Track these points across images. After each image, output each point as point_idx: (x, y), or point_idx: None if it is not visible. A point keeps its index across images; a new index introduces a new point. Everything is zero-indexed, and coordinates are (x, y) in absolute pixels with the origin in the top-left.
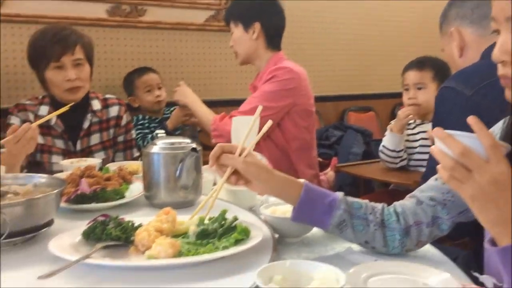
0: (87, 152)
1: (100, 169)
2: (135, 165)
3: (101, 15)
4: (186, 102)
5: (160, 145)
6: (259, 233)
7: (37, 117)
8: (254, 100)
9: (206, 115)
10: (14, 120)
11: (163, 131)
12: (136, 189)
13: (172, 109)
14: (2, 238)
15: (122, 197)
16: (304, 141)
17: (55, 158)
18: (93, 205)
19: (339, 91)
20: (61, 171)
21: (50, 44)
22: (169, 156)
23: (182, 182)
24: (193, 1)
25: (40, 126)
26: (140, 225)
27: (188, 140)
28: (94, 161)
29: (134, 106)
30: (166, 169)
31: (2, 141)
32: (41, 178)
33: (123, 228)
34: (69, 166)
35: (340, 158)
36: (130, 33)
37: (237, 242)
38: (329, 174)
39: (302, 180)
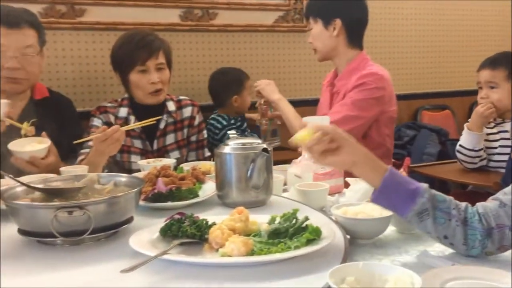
0: (163, 151)
1: (175, 168)
2: (208, 165)
3: (175, 20)
4: (274, 99)
5: (232, 145)
6: (331, 233)
7: (117, 118)
8: (343, 109)
9: (293, 116)
10: (97, 122)
11: (234, 132)
12: (209, 188)
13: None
14: (86, 233)
15: (196, 196)
16: (386, 148)
17: (134, 158)
18: (169, 204)
19: (412, 89)
20: (139, 170)
21: (136, 48)
22: (241, 157)
23: (253, 182)
24: (262, 3)
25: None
26: (213, 224)
27: (259, 141)
28: (169, 161)
29: (192, 102)
30: (237, 169)
31: (91, 136)
32: (121, 177)
33: (198, 226)
34: (146, 165)
35: (413, 158)
36: (202, 36)
37: (309, 242)
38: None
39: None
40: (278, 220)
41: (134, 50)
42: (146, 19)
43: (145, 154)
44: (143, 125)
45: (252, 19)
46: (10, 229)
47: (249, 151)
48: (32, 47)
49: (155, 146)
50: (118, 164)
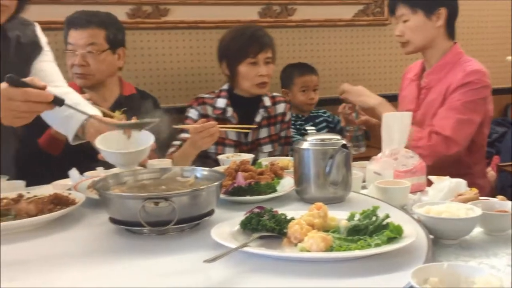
0: (256, 144)
1: (253, 163)
2: (286, 160)
3: (254, 17)
4: (374, 104)
5: (311, 141)
6: (413, 232)
7: (215, 109)
8: (453, 114)
9: None
10: (192, 114)
11: (313, 127)
12: (287, 183)
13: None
14: (171, 224)
15: (274, 191)
16: (484, 150)
17: (228, 150)
18: (248, 198)
19: (501, 84)
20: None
21: (249, 41)
22: (319, 152)
23: (332, 178)
24: None
25: (217, 119)
26: (292, 218)
27: (338, 137)
28: (248, 156)
29: (285, 99)
30: (316, 165)
31: (189, 126)
32: (203, 171)
33: (277, 220)
34: (226, 160)
35: (502, 156)
36: (280, 32)
37: (390, 240)
38: (490, 174)
39: None
40: (357, 217)
41: (247, 43)
42: (226, 17)
43: (239, 146)
44: (237, 130)
45: (330, 14)
46: (102, 217)
47: (328, 147)
48: (96, 45)
49: (249, 138)
50: (207, 157)
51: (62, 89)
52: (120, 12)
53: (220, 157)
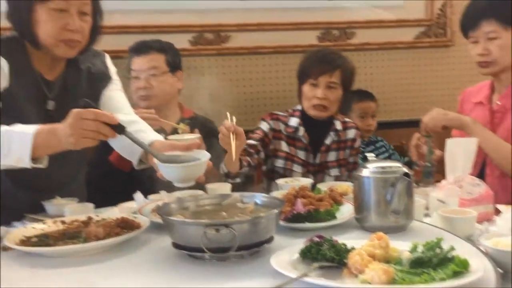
0: (324, 167)
1: (313, 188)
2: (345, 185)
3: (313, 41)
4: (467, 123)
5: (371, 168)
6: (480, 266)
7: (287, 127)
8: None
9: (498, 139)
10: (264, 126)
11: (373, 154)
12: (346, 210)
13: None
14: (232, 250)
15: (334, 218)
16: None
17: (296, 167)
18: (308, 225)
19: None
20: None
21: (314, 63)
22: (380, 180)
23: (393, 207)
24: (401, 19)
25: (288, 137)
26: (352, 248)
27: (399, 164)
28: (306, 181)
29: (356, 126)
30: (376, 193)
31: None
32: (262, 197)
33: (336, 250)
34: (284, 185)
35: None
36: None
37: (455, 274)
38: None
39: None
40: (420, 248)
41: (312, 64)
42: (285, 42)
43: (306, 166)
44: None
45: (390, 37)
46: (166, 241)
47: (388, 175)
48: (157, 68)
49: (317, 160)
50: (274, 172)
51: (130, 117)
52: (183, 40)
53: (278, 181)
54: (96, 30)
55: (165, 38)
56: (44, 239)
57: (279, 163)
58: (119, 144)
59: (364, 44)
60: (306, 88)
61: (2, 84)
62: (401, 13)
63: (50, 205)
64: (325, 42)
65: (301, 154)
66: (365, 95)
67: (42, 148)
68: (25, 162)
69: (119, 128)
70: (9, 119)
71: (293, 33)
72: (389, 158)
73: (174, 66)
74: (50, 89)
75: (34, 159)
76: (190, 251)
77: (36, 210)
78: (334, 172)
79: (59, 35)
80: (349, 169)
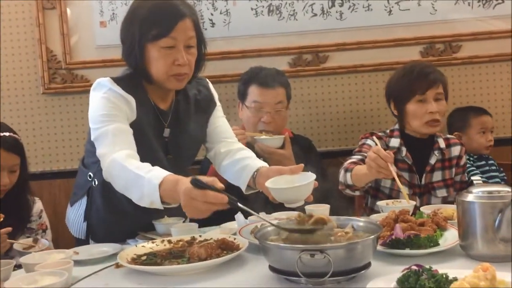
0: (430, 187)
1: (413, 213)
2: (450, 209)
3: (415, 57)
4: None
5: (477, 193)
6: None
7: (388, 148)
8: None
9: None
10: (370, 142)
11: (479, 178)
12: (450, 236)
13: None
14: (327, 276)
15: (436, 244)
16: None
17: (403, 189)
18: (407, 251)
19: None
20: None
21: (417, 79)
22: (487, 206)
23: (502, 234)
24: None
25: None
26: (454, 279)
27: (509, 189)
28: (407, 204)
29: (460, 142)
30: (483, 219)
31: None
32: (358, 221)
33: (437, 280)
34: (385, 207)
35: None
36: (445, 71)
37: None
38: None
39: None
40: None
41: (414, 80)
42: (385, 59)
43: (412, 187)
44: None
45: (502, 48)
46: (263, 264)
47: (496, 200)
48: (282, 103)
49: (422, 181)
50: (380, 192)
51: (237, 145)
52: (283, 62)
53: (379, 203)
54: (201, 60)
55: (265, 61)
56: (152, 258)
57: (386, 183)
58: (228, 172)
59: (472, 57)
60: (413, 106)
61: (131, 117)
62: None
63: (159, 224)
64: (429, 57)
65: (406, 176)
66: (481, 110)
67: (168, 198)
68: (158, 206)
69: (231, 203)
70: (139, 148)
71: (394, 50)
72: (500, 178)
73: (289, 98)
74: (165, 117)
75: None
76: (286, 275)
77: (148, 229)
78: (441, 193)
79: (169, 71)
80: (456, 189)
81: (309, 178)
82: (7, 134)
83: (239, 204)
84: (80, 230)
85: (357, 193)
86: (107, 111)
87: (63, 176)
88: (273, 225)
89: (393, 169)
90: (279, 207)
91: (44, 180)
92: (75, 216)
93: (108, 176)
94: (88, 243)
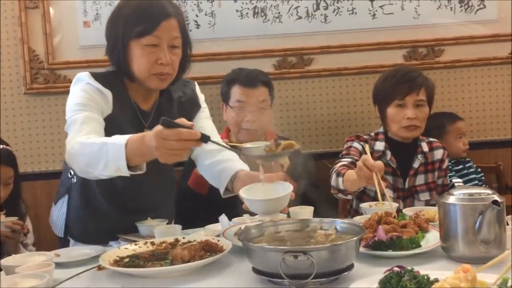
0: (413, 191)
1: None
2: (432, 211)
3: (398, 61)
4: None
5: (458, 195)
6: None
7: (373, 151)
8: None
9: None
10: (357, 145)
11: (460, 180)
12: (432, 238)
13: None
14: (310, 278)
15: (418, 246)
16: None
17: (386, 191)
18: (390, 253)
19: None
20: None
21: (398, 83)
22: (468, 208)
23: (482, 236)
24: (495, 34)
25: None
26: (435, 280)
27: (489, 191)
28: (392, 205)
29: (442, 145)
30: (464, 221)
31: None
32: (342, 223)
33: (418, 281)
34: (368, 209)
35: None
36: (427, 74)
37: None
38: None
39: None
40: (510, 283)
41: (395, 84)
42: (369, 62)
43: (396, 190)
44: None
45: (484, 52)
46: (247, 266)
47: (477, 202)
48: (265, 102)
49: (406, 185)
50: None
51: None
52: (268, 64)
53: (362, 205)
54: (185, 61)
55: (250, 63)
56: (135, 260)
57: (372, 186)
58: (208, 173)
59: (454, 62)
60: (392, 110)
61: (107, 111)
62: (495, 28)
63: (142, 226)
64: (412, 60)
65: (390, 179)
66: (455, 116)
67: (136, 157)
68: (124, 171)
69: (203, 139)
70: None
71: (377, 53)
72: (478, 179)
73: (273, 98)
74: (146, 118)
75: (131, 167)
76: (269, 277)
77: (130, 231)
78: (424, 196)
79: (151, 69)
80: (438, 192)
81: (286, 190)
82: (1, 146)
83: (212, 139)
84: (60, 229)
85: (349, 197)
86: (80, 101)
87: (45, 177)
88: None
89: (377, 179)
90: None
91: (26, 181)
92: (58, 214)
93: (69, 157)
94: (68, 243)
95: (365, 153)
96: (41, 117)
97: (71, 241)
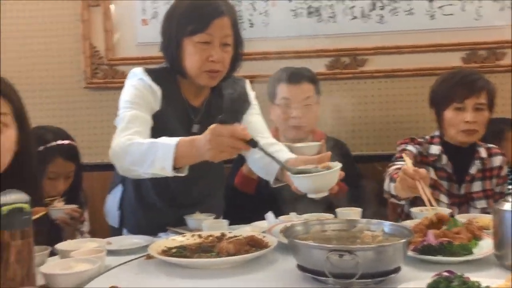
0: (469, 198)
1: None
2: (486, 219)
3: (456, 63)
4: None
5: None
6: None
7: (428, 155)
8: None
9: None
10: (411, 148)
11: None
12: (486, 246)
13: None
14: (355, 277)
15: (470, 253)
16: None
17: (442, 197)
18: (439, 258)
19: None
20: None
21: (457, 86)
22: None
23: None
24: None
25: (433, 166)
26: (487, 287)
27: None
28: (443, 210)
29: (502, 152)
30: None
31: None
32: (390, 225)
33: (468, 287)
34: (419, 214)
35: None
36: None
37: None
38: None
39: None
40: None
41: (454, 87)
42: (425, 64)
43: (451, 196)
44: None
45: None
46: (292, 263)
47: None
48: (310, 98)
49: (462, 191)
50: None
51: (268, 140)
52: (320, 64)
53: (413, 209)
54: (236, 59)
55: (302, 62)
56: (182, 251)
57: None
58: (257, 165)
59: None
60: (450, 113)
61: (155, 107)
62: None
63: (191, 220)
64: (471, 63)
65: (445, 184)
66: None
67: (183, 159)
68: (168, 171)
69: (252, 143)
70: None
71: (434, 55)
72: None
73: (319, 94)
74: (195, 114)
75: (176, 168)
76: (313, 274)
77: (179, 224)
78: (481, 204)
79: (203, 66)
80: (496, 200)
81: (335, 167)
82: (66, 142)
83: (260, 146)
84: (114, 218)
85: (402, 202)
86: (130, 98)
87: (101, 169)
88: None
89: (421, 186)
90: (311, 207)
91: (83, 172)
92: (111, 203)
93: (114, 155)
94: (121, 232)
95: (419, 156)
96: (99, 111)
97: (124, 230)
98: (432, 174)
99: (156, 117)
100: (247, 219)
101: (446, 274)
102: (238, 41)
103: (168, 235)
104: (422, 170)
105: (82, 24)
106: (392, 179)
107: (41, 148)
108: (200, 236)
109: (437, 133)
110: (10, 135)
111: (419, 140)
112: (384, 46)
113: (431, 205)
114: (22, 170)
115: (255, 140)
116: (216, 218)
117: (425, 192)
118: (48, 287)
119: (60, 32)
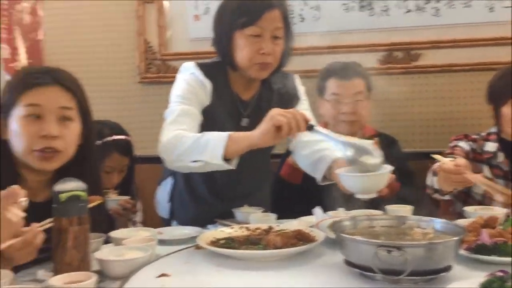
0: None
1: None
2: None
3: None
4: None
5: None
6: None
7: (482, 152)
8: None
9: None
10: (463, 144)
11: None
12: None
13: None
14: (404, 274)
15: None
16: None
17: (497, 196)
18: (493, 258)
19: None
20: None
21: None
22: None
23: None
24: None
25: (488, 164)
26: None
27: None
28: (500, 210)
29: None
30: None
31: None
32: (442, 223)
33: None
34: (472, 213)
35: None
36: None
37: None
38: None
39: None
40: None
41: None
42: (482, 59)
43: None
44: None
45: None
46: (339, 258)
47: None
48: (361, 93)
49: None
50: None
51: (317, 137)
52: (372, 59)
53: (466, 208)
54: (287, 53)
55: (353, 57)
56: (230, 242)
57: (479, 189)
58: (305, 162)
59: None
60: (509, 109)
61: (206, 102)
62: None
63: (239, 212)
64: None
65: (500, 183)
66: None
67: (234, 151)
68: (218, 159)
69: (309, 126)
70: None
71: (493, 49)
72: None
73: (370, 90)
74: (245, 107)
75: (225, 160)
76: (361, 270)
77: (227, 216)
78: None
79: (254, 59)
80: None
81: (385, 169)
82: (122, 137)
83: (316, 127)
84: (164, 210)
85: (446, 197)
86: (182, 93)
87: (153, 161)
88: None
89: (471, 175)
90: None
91: (136, 164)
92: (162, 195)
93: (162, 149)
94: (171, 223)
95: (472, 153)
96: (152, 104)
97: (173, 222)
98: (487, 172)
99: (206, 111)
100: (294, 212)
101: (500, 273)
102: (288, 35)
103: (217, 227)
104: (461, 160)
105: (137, 20)
106: (435, 174)
107: (99, 142)
108: (248, 228)
109: (494, 129)
110: (75, 128)
111: (473, 136)
112: (439, 40)
113: (499, 192)
114: (84, 162)
115: (312, 124)
116: (264, 212)
117: (487, 183)
118: (101, 272)
119: (116, 28)
